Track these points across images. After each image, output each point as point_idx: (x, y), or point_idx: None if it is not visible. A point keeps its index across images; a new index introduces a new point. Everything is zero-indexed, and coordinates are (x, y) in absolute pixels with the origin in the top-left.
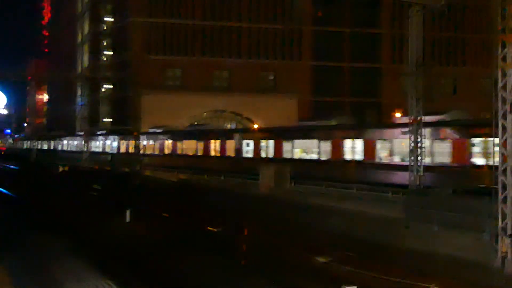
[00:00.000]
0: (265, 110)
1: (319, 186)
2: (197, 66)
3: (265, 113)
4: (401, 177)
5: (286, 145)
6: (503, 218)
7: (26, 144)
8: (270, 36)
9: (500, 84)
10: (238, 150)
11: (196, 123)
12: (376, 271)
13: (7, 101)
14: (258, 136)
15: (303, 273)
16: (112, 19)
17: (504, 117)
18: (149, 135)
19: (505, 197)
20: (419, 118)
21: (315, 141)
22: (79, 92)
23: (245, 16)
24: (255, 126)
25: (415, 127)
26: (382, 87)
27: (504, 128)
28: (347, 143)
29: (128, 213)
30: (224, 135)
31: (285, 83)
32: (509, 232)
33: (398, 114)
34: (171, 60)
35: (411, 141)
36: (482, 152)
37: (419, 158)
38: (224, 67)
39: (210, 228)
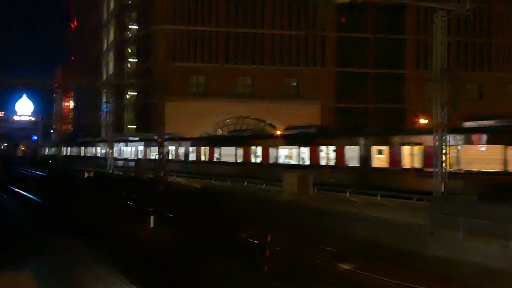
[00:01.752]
0: (288, 116)
1: (342, 192)
2: (221, 72)
3: (288, 119)
4: None
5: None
6: None
7: (53, 150)
8: (293, 43)
9: None
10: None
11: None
12: (400, 278)
13: (34, 108)
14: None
15: (327, 280)
16: (137, 27)
17: None
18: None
19: None
20: (444, 124)
21: None
22: (104, 99)
23: (269, 23)
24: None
25: (439, 133)
26: (406, 93)
27: None
28: None
29: (152, 218)
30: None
31: (308, 89)
32: None
33: (422, 121)
34: (194, 67)
35: (435, 148)
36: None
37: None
38: (247, 73)
39: (233, 234)
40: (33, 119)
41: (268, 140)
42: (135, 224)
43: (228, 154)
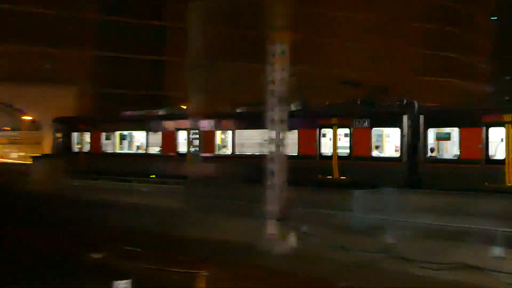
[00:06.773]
0: (41, 102)
1: (99, 180)
2: None
3: (41, 105)
4: None
5: None
6: (270, 203)
7: None
8: (49, 23)
9: (269, 78)
10: None
11: None
12: (154, 262)
13: None
14: None
15: (72, 271)
16: None
17: (273, 109)
18: None
19: (272, 183)
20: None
21: None
22: None
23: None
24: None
25: (193, 119)
26: (167, 80)
27: (273, 120)
28: None
29: None
30: None
31: (64, 72)
32: (276, 216)
33: (183, 107)
34: None
35: (190, 132)
36: None
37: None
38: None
39: None
40: None
41: None
42: None
43: None
